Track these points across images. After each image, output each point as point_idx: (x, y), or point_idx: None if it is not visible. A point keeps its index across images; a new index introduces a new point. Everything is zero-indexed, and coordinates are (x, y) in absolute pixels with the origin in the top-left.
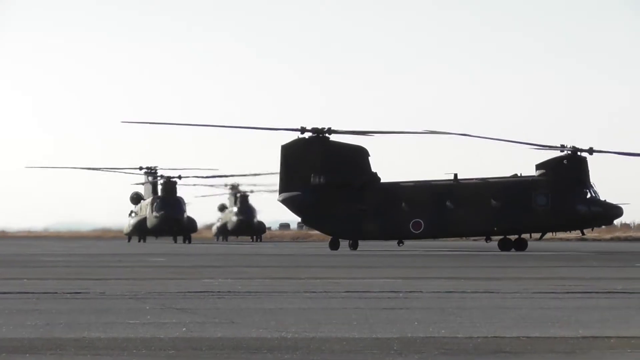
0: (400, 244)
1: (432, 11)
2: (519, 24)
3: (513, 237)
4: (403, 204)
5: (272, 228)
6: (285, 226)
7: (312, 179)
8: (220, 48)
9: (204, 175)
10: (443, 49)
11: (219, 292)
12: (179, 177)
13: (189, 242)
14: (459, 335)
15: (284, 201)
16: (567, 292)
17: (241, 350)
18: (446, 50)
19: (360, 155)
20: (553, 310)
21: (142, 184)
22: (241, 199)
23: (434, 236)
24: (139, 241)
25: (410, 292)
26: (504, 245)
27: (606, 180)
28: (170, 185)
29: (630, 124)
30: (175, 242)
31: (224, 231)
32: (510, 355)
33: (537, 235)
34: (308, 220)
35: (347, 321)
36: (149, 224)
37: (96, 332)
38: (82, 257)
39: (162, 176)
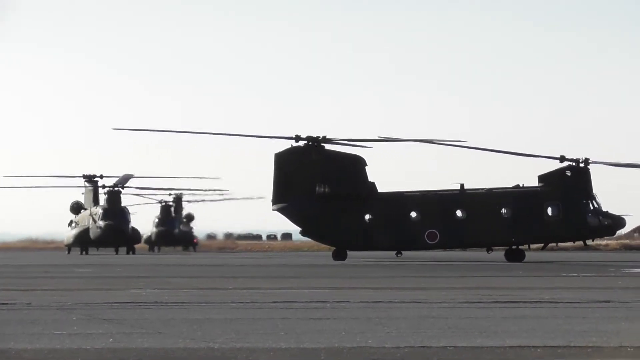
0: (399, 255)
1: (430, 15)
2: (518, 31)
3: (505, 248)
4: (415, 214)
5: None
6: (212, 237)
7: (317, 189)
8: (211, 54)
9: (142, 186)
10: (440, 57)
11: (145, 302)
12: (122, 187)
13: (133, 253)
14: (387, 345)
15: (281, 210)
16: (494, 302)
17: None
18: (442, 58)
19: (358, 164)
20: (480, 320)
21: (83, 193)
22: (162, 209)
23: (450, 247)
24: (81, 253)
25: (338, 302)
26: (512, 256)
27: (601, 191)
28: (114, 195)
29: (625, 135)
30: (117, 253)
31: (149, 241)
32: None
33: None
34: (310, 231)
35: (274, 331)
36: (92, 234)
37: (22, 343)
38: (9, 268)
39: (104, 185)
